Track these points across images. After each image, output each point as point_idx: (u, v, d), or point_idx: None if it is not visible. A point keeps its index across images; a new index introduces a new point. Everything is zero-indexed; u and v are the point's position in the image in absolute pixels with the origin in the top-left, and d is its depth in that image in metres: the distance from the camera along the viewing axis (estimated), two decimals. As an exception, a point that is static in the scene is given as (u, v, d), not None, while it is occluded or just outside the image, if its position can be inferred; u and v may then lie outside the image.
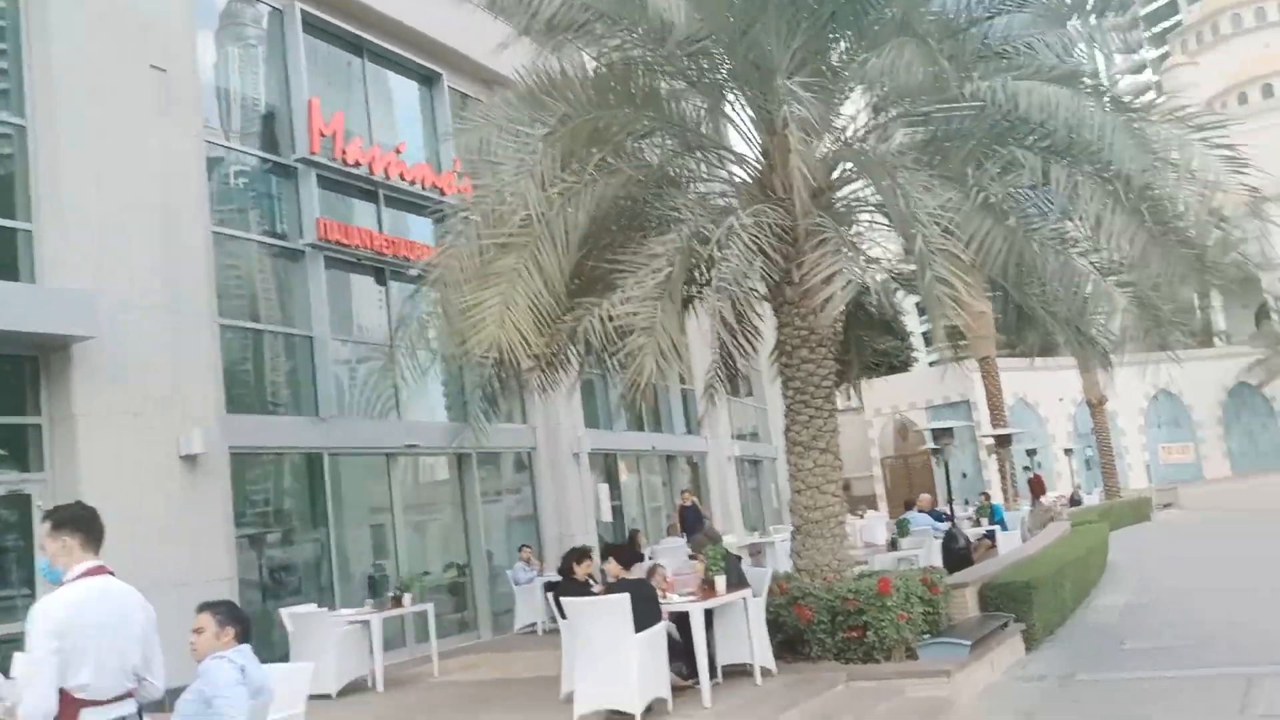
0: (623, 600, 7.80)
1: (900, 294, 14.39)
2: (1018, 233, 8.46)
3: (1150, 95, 58.69)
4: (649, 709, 8.07)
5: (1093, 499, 36.66)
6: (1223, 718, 7.58)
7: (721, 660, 9.32)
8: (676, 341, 8.56)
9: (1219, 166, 9.01)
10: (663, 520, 21.47)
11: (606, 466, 20.33)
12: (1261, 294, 54.24)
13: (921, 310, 67.71)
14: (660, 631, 8.08)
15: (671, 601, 8.63)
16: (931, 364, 58.71)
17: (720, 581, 8.98)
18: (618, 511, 20.33)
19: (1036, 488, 27.70)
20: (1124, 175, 8.43)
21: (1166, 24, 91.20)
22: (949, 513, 16.72)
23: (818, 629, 9.77)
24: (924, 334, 79.08)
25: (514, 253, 8.73)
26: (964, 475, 43.45)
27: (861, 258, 9.82)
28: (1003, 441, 23.22)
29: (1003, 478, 27.09)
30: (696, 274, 10.85)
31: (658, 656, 8.03)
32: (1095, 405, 37.39)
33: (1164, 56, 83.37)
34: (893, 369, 59.13)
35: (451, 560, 15.81)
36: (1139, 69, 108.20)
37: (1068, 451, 36.96)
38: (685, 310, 13.06)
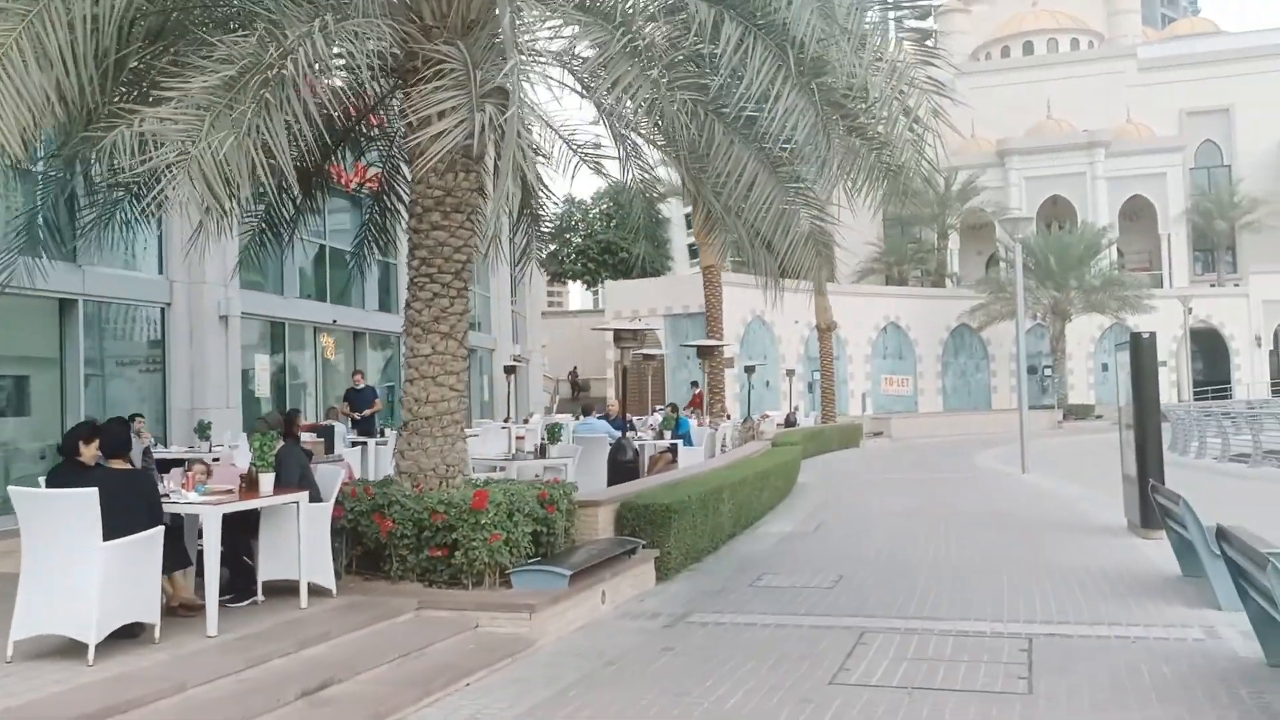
0: (86, 497, 5.92)
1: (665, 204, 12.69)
2: (661, 85, 6.92)
3: (930, 42, 59.87)
4: (130, 634, 6.31)
5: (809, 422, 37.27)
6: (808, 682, 6.55)
7: (269, 575, 7.65)
8: (233, 170, 6.56)
9: (910, 54, 7.80)
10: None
11: (274, 336, 18.07)
12: (994, 242, 56.91)
13: (689, 223, 66.94)
14: (150, 539, 6.26)
15: (182, 500, 6.79)
16: (696, 268, 58.90)
17: (267, 479, 7.23)
18: (287, 389, 18.20)
19: (697, 404, 27.07)
20: (799, 42, 7.03)
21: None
22: (631, 422, 15.57)
23: (400, 544, 8.23)
24: (690, 246, 79.70)
25: (7, 21, 6.45)
26: (694, 384, 43.41)
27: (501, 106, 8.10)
28: (706, 353, 22.31)
29: (710, 392, 26.59)
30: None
31: (141, 570, 6.22)
32: (823, 330, 37.80)
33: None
34: (645, 273, 58.87)
35: (40, 428, 13.30)
36: (924, 15, 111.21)
37: (790, 373, 37.28)
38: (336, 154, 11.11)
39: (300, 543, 7.36)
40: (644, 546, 10.01)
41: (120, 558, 6.04)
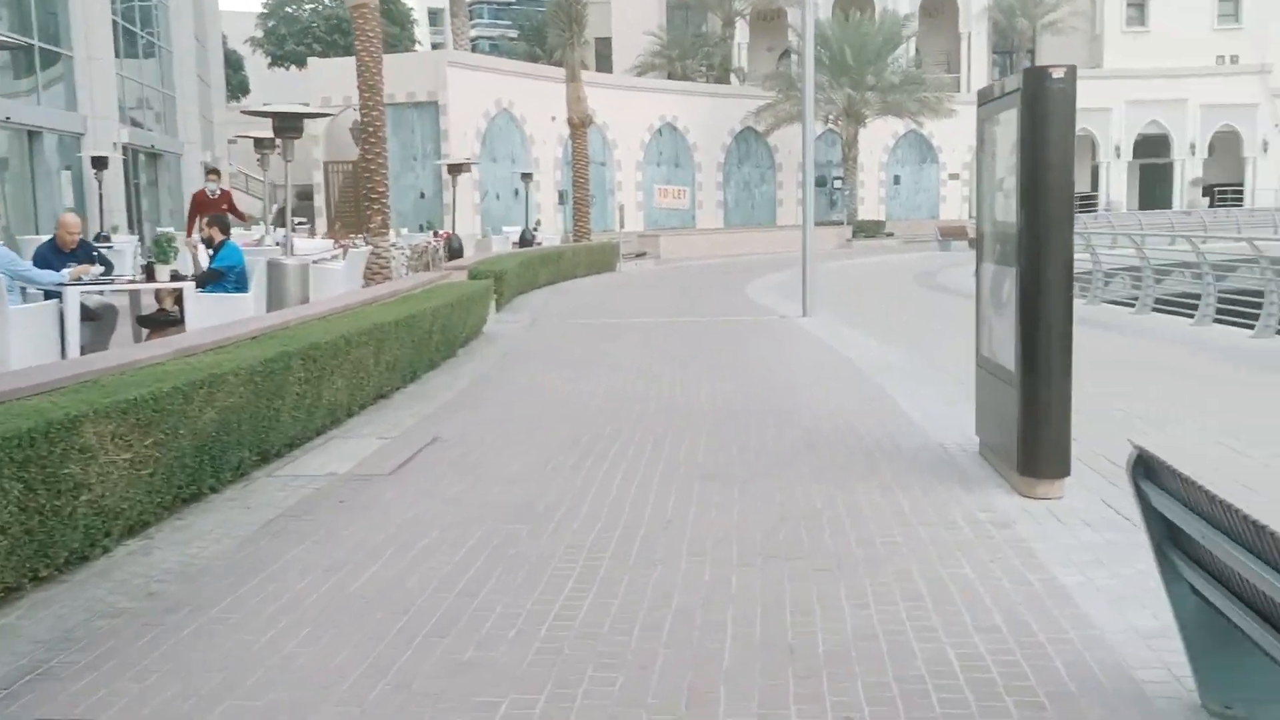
0: None
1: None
2: None
3: None
4: None
5: (556, 240, 30.36)
6: None
7: None
8: None
9: None
10: None
11: None
12: (788, 34, 50.28)
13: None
14: None
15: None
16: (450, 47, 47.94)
17: None
18: None
19: (203, 207, 15.28)
20: None
21: None
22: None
23: None
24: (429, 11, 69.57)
25: None
26: (422, 195, 35.48)
27: None
28: (282, 138, 13.88)
29: (369, 200, 18.96)
30: None
31: None
32: (576, 126, 30.41)
33: None
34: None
35: None
36: None
37: (526, 177, 29.79)
38: None
39: None
40: None
41: None
